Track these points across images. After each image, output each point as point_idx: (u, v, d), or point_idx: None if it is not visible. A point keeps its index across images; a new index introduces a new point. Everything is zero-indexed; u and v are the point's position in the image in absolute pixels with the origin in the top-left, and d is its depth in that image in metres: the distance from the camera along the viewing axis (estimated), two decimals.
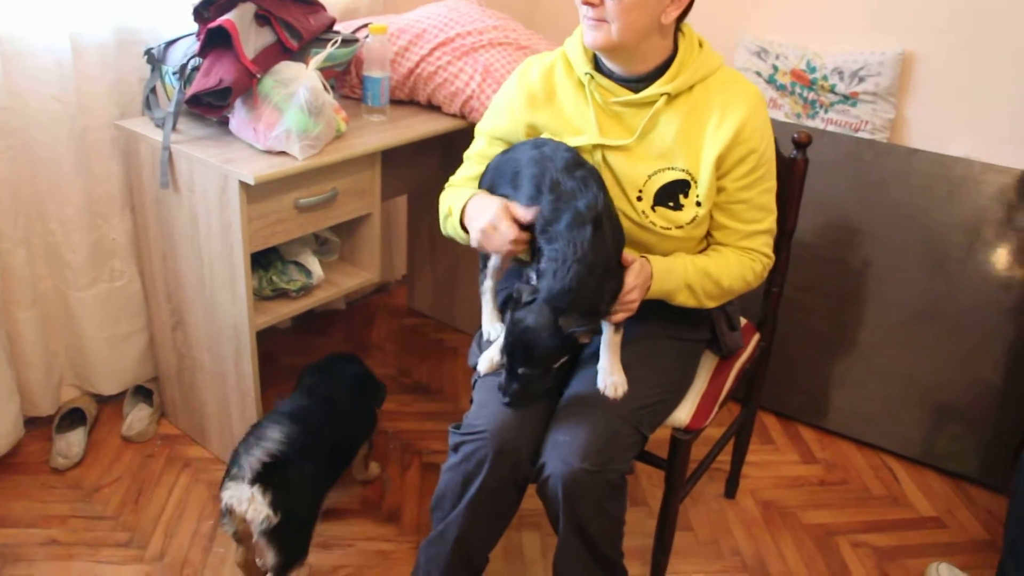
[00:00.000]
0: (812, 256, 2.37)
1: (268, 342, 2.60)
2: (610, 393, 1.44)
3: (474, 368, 1.56)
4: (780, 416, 2.45)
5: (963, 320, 2.21)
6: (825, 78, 2.45)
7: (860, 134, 2.43)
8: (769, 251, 1.57)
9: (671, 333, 1.60)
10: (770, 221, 1.55)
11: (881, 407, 2.32)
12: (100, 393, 2.23)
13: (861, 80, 2.41)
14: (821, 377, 2.40)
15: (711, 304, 1.54)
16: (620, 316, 1.40)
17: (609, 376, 1.45)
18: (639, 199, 1.48)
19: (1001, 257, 2.17)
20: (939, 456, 2.26)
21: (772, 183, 1.54)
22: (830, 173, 2.34)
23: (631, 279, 1.38)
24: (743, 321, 1.89)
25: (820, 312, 2.38)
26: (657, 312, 1.58)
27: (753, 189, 1.50)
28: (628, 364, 1.49)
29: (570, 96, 1.52)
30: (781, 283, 1.85)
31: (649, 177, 1.47)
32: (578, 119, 1.51)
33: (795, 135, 1.72)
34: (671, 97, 1.46)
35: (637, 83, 1.48)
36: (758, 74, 2.55)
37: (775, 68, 2.52)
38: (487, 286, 1.61)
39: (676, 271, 1.47)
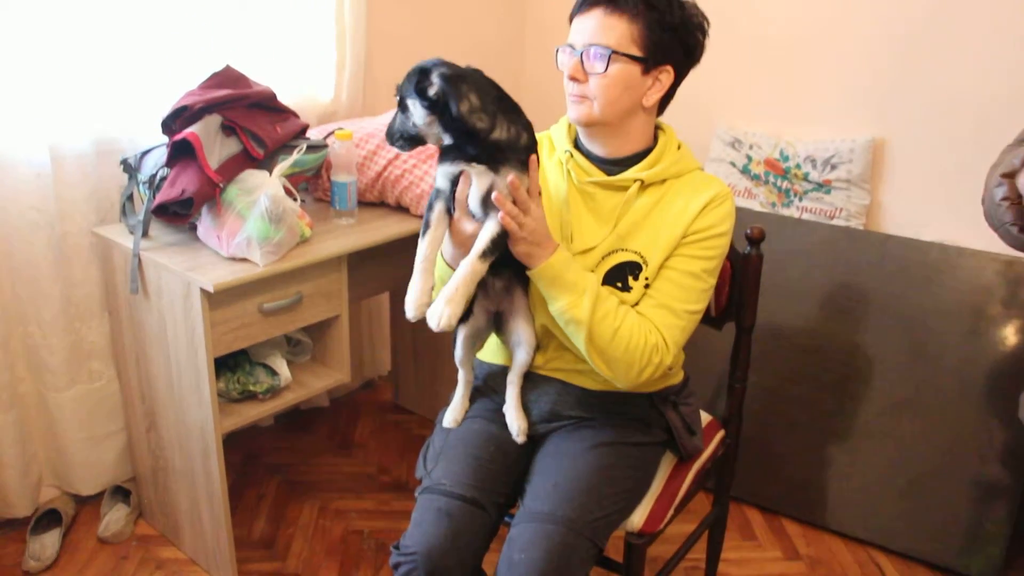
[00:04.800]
0: (791, 346, 2.35)
1: (250, 440, 2.61)
2: (432, 324, 1.32)
3: (419, 480, 1.56)
4: (763, 510, 2.39)
5: (946, 407, 2.17)
6: (798, 166, 2.47)
7: (836, 221, 2.44)
8: (673, 342, 1.45)
9: (626, 439, 1.58)
10: (686, 313, 1.47)
11: (865, 499, 2.26)
12: (79, 493, 2.24)
13: (833, 167, 2.43)
14: (804, 469, 2.35)
15: (586, 346, 1.41)
16: (504, 221, 1.30)
17: (442, 304, 1.32)
18: (592, 272, 1.48)
19: (982, 342, 2.13)
20: (926, 550, 2.19)
21: (705, 281, 1.49)
22: (806, 262, 2.34)
23: (537, 209, 1.34)
24: (708, 418, 1.87)
25: (801, 403, 2.34)
26: (610, 419, 1.57)
27: (684, 265, 1.46)
28: (583, 475, 1.47)
29: (552, 174, 1.56)
30: (743, 378, 1.83)
31: (603, 257, 1.48)
32: (557, 198, 1.53)
33: (748, 231, 1.73)
34: (644, 185, 1.48)
35: (612, 166, 1.51)
36: (732, 164, 2.58)
37: (749, 158, 2.55)
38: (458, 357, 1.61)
39: (585, 274, 1.41)
